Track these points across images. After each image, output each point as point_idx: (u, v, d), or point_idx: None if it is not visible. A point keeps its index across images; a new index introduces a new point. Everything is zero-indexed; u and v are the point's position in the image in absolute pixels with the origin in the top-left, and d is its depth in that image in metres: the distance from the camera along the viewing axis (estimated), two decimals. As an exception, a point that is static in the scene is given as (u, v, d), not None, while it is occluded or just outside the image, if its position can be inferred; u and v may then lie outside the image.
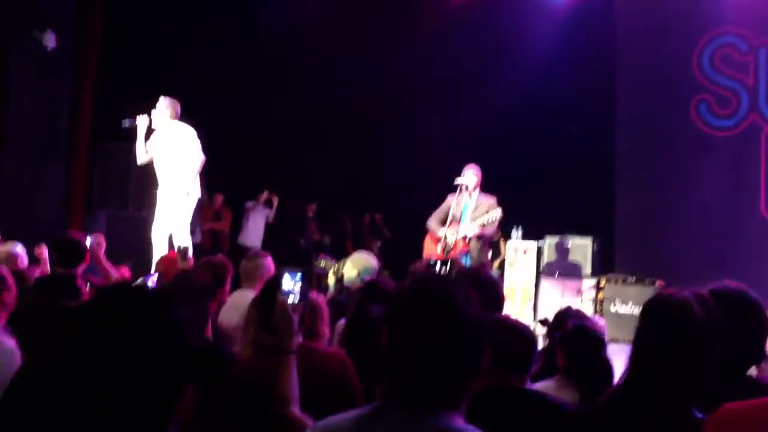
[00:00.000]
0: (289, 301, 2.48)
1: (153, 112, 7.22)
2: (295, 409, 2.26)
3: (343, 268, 5.28)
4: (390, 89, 11.30)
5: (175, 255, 5.68)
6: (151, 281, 5.20)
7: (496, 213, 7.17)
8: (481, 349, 1.59)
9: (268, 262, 4.55)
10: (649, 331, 2.02)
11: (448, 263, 3.40)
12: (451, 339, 1.54)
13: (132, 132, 7.31)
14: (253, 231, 11.42)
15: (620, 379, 2.08)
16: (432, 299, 1.57)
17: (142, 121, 7.19)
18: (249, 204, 11.48)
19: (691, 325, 1.93)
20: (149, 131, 7.32)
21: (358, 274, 5.01)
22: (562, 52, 10.21)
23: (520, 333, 2.64)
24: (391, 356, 1.59)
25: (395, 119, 11.65)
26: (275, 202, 11.54)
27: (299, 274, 2.58)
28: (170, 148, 7.20)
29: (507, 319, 2.83)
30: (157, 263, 5.90)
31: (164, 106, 7.21)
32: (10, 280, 3.58)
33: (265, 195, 11.48)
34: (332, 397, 2.59)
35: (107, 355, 1.36)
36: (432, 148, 10.91)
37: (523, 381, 2.64)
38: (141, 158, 7.36)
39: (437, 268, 3.41)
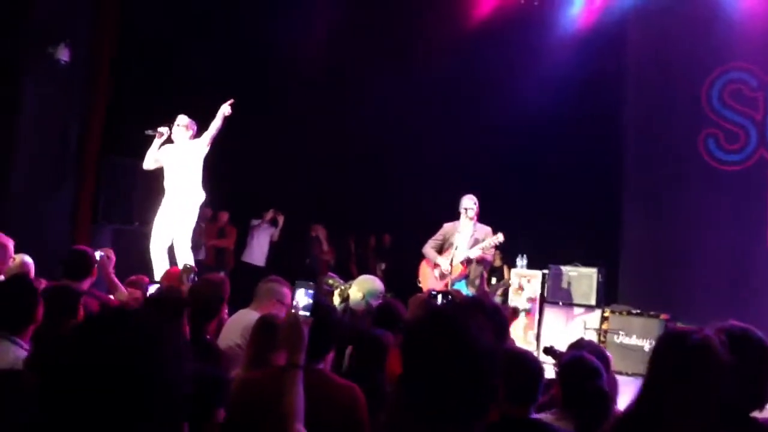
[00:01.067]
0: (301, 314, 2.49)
1: (172, 126, 7.38)
2: (300, 427, 2.24)
3: (349, 290, 5.29)
4: (399, 112, 11.34)
5: (179, 271, 5.68)
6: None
7: (498, 237, 7.27)
8: (496, 380, 1.59)
9: (285, 291, 4.51)
10: (667, 368, 1.99)
11: (448, 295, 3.41)
12: (466, 371, 1.55)
13: (149, 140, 7.44)
14: (258, 249, 11.42)
15: (628, 411, 2.07)
16: (447, 332, 1.58)
17: (164, 131, 7.37)
18: (254, 222, 11.49)
19: (713, 364, 1.92)
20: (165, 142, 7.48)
21: (363, 297, 5.03)
22: (571, 82, 10.24)
23: (528, 363, 2.63)
24: (406, 387, 1.60)
25: (402, 141, 11.69)
26: (281, 220, 11.54)
27: (311, 290, 2.60)
28: (183, 162, 7.33)
29: (514, 349, 2.82)
30: (162, 278, 5.90)
31: (183, 123, 7.39)
32: (39, 294, 3.58)
33: (270, 214, 11.49)
34: (340, 429, 2.58)
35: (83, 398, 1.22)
36: (435, 174, 10.93)
37: (528, 411, 2.62)
38: (149, 164, 7.51)
39: (438, 298, 3.42)
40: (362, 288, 5.12)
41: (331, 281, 7.48)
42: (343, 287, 5.57)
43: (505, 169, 10.58)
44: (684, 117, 9.98)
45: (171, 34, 10.06)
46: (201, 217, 8.38)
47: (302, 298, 2.54)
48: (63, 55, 8.20)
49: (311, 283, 2.72)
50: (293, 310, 2.55)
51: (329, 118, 11.70)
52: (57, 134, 8.74)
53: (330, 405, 2.62)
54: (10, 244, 4.99)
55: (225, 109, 7.38)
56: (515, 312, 3.93)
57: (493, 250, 7.51)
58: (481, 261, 7.38)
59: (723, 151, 9.82)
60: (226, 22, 11.22)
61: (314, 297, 2.73)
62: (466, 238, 7.42)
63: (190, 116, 7.57)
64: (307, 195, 12.16)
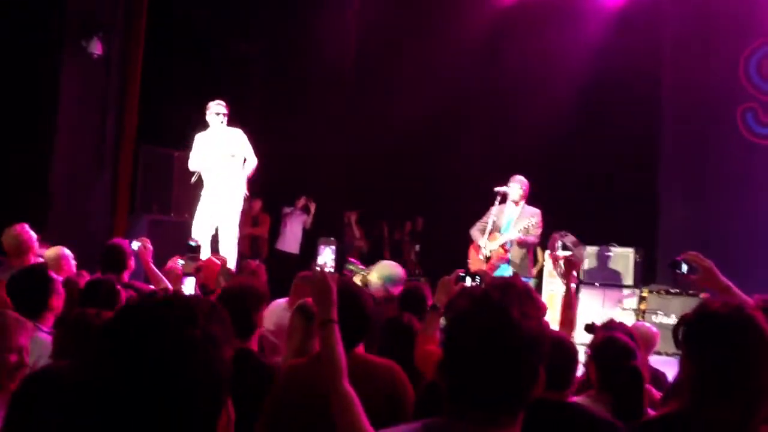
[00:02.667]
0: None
1: (205, 113, 7.42)
2: (345, 383, 2.25)
3: (369, 276, 5.31)
4: (431, 94, 11.30)
5: (217, 264, 5.72)
6: (189, 285, 5.25)
7: (535, 220, 7.15)
8: (538, 365, 1.59)
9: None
10: (712, 344, 1.98)
11: (476, 276, 3.40)
12: (510, 358, 1.55)
13: (185, 131, 7.52)
14: (291, 237, 11.47)
15: (672, 393, 2.06)
16: (489, 316, 1.57)
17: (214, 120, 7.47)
18: (286, 210, 11.55)
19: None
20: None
21: (383, 283, 5.03)
22: (608, 61, 10.13)
23: (562, 346, 2.61)
24: (449, 374, 1.60)
25: (443, 128, 11.67)
26: (312, 208, 11.58)
27: (335, 247, 2.63)
28: (224, 149, 7.36)
29: (548, 331, 2.80)
30: (201, 264, 5.92)
31: (221, 111, 7.44)
32: (60, 285, 3.67)
33: (302, 201, 11.52)
34: (386, 409, 2.60)
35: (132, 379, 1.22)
36: (476, 157, 10.89)
37: (565, 395, 2.61)
38: (194, 166, 7.54)
39: (467, 280, 3.42)
40: (381, 273, 5.12)
41: (351, 267, 7.55)
42: (363, 273, 5.58)
43: (540, 151, 10.50)
44: (722, 92, 9.79)
45: (205, 23, 10.13)
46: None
47: (327, 255, 2.56)
48: (95, 48, 8.30)
49: (333, 239, 2.75)
50: (319, 268, 2.57)
51: (361, 104, 11.70)
52: (94, 127, 8.87)
53: (372, 385, 2.64)
54: (69, 256, 5.08)
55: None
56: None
57: (539, 231, 7.35)
58: (522, 244, 7.29)
59: (761, 125, 9.63)
60: (261, 10, 11.27)
61: (344, 284, 2.76)
62: (512, 221, 7.33)
63: (227, 104, 7.58)
64: (340, 181, 12.19)
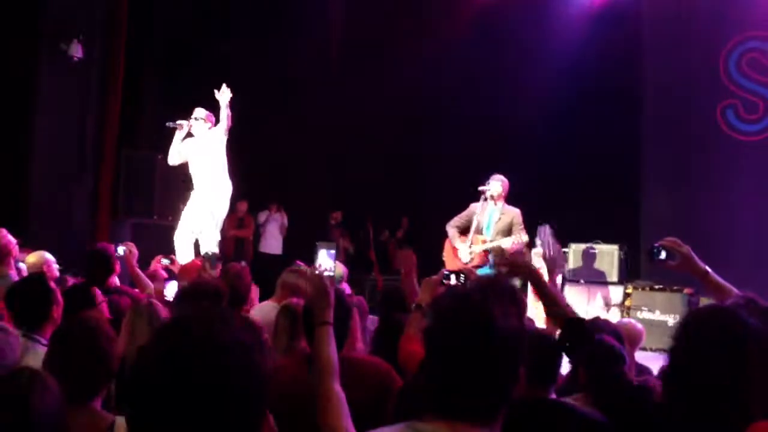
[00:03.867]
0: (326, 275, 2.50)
1: (191, 119, 7.41)
2: (336, 385, 2.25)
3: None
4: (420, 97, 11.33)
5: (200, 264, 5.70)
6: (171, 289, 5.22)
7: (522, 237, 7.11)
8: (519, 364, 1.59)
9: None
10: (700, 343, 1.97)
11: (461, 275, 3.40)
12: (490, 356, 1.55)
13: (169, 134, 7.48)
14: (272, 239, 11.54)
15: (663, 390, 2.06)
16: (472, 316, 1.57)
17: (185, 124, 7.41)
18: (261, 216, 11.62)
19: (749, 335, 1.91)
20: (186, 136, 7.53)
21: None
22: (587, 58, 10.16)
23: (545, 343, 2.62)
24: (430, 373, 1.60)
25: (426, 129, 11.68)
26: (283, 216, 11.65)
27: (334, 252, 2.63)
28: (205, 154, 7.37)
29: (532, 329, 2.80)
30: (180, 271, 5.91)
31: (201, 116, 7.46)
32: (59, 295, 3.61)
33: (274, 208, 11.60)
34: (375, 406, 2.60)
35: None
36: (457, 155, 10.89)
37: (548, 392, 2.61)
38: (173, 159, 7.56)
39: (452, 279, 3.41)
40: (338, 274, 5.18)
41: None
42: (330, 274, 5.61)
43: (523, 148, 10.52)
44: (702, 88, 9.86)
45: (186, 25, 10.09)
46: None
47: (324, 258, 2.57)
48: (76, 51, 8.25)
49: (332, 243, 2.76)
50: (316, 270, 2.57)
51: (344, 104, 11.68)
52: (74, 130, 8.81)
53: (361, 384, 2.64)
54: (51, 261, 5.02)
55: (224, 97, 7.34)
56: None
57: (525, 232, 7.31)
58: (516, 252, 7.26)
59: (742, 121, 9.70)
60: (242, 11, 11.23)
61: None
62: (492, 221, 7.29)
63: (207, 108, 7.59)
64: (323, 182, 12.18)
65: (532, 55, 10.58)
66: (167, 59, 10.28)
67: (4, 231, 4.98)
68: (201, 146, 7.45)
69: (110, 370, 2.56)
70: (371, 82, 11.22)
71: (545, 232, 8.11)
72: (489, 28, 11.07)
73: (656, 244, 2.96)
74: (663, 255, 2.95)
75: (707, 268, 2.90)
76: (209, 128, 7.48)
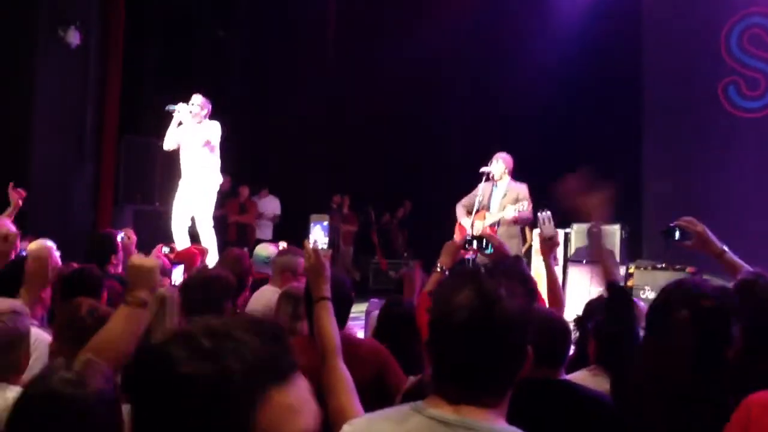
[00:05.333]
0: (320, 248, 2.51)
1: (189, 104, 7.36)
2: (340, 362, 2.24)
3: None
4: (421, 79, 11.27)
5: (195, 250, 5.70)
6: (177, 274, 5.22)
7: (525, 205, 7.11)
8: (525, 344, 1.57)
9: (297, 260, 4.54)
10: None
11: (483, 239, 3.39)
12: (495, 337, 1.53)
13: (168, 119, 7.43)
14: (265, 225, 11.49)
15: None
16: (475, 295, 1.55)
17: (183, 109, 7.31)
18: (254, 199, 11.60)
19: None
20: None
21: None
22: (588, 37, 10.11)
23: (554, 324, 2.61)
24: (435, 353, 1.58)
25: (425, 107, 11.63)
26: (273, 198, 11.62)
27: (326, 224, 2.65)
28: (198, 141, 7.32)
29: (540, 309, 2.79)
30: (177, 256, 5.88)
31: (198, 102, 7.36)
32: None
33: (264, 193, 11.54)
34: (374, 392, 2.59)
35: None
36: (462, 140, 10.87)
37: (558, 372, 2.60)
38: (169, 145, 7.51)
39: (474, 243, 3.40)
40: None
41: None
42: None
43: (524, 129, 10.48)
44: (703, 65, 9.80)
45: (185, 10, 10.03)
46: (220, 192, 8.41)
47: (318, 232, 2.58)
48: (73, 38, 8.20)
49: (326, 215, 2.76)
50: (311, 244, 2.57)
51: (344, 86, 11.65)
52: (74, 117, 8.78)
53: (359, 365, 2.63)
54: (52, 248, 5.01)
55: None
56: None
57: (530, 206, 7.30)
58: (519, 221, 7.28)
59: (744, 98, 9.65)
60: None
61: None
62: (498, 199, 7.30)
63: (205, 93, 7.54)
64: (324, 165, 12.15)
65: (532, 39, 10.52)
66: (166, 45, 10.23)
67: (6, 220, 4.97)
68: (195, 134, 7.40)
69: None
70: (371, 64, 11.17)
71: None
72: (489, 12, 11.01)
73: (671, 224, 2.95)
74: (677, 235, 2.93)
75: (724, 247, 2.88)
76: (205, 115, 7.42)
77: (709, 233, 2.88)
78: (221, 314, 2.93)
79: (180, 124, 7.44)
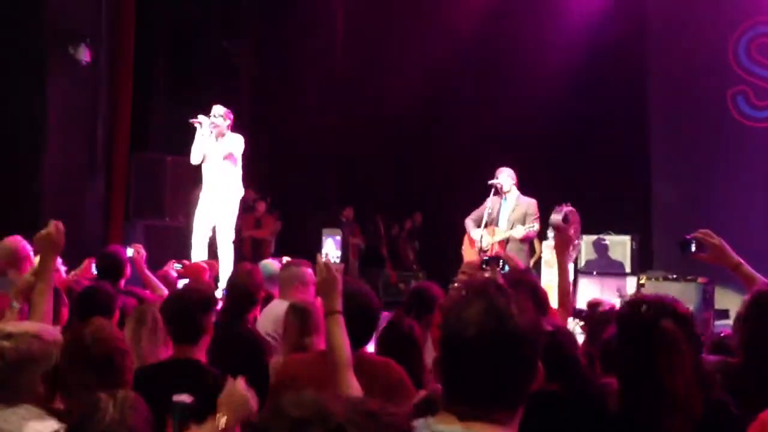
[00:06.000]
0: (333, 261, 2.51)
1: (210, 116, 7.36)
2: (351, 376, 2.23)
3: None
4: (430, 89, 11.29)
5: (204, 266, 5.72)
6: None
7: (534, 225, 7.13)
8: (536, 360, 1.56)
9: (304, 270, 4.54)
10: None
11: (499, 260, 3.38)
12: (505, 353, 1.52)
13: (186, 134, 7.46)
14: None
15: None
16: (485, 311, 1.54)
17: (206, 121, 7.30)
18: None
19: None
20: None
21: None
22: (595, 47, 10.11)
23: (560, 337, 2.59)
24: (444, 368, 1.58)
25: (437, 122, 11.67)
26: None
27: (339, 238, 2.65)
28: (221, 153, 7.34)
29: (549, 323, 2.78)
30: (184, 270, 5.87)
31: (220, 113, 7.36)
32: (64, 295, 3.64)
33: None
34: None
35: None
36: (471, 152, 10.87)
37: (566, 386, 2.59)
38: (195, 158, 7.49)
39: (490, 264, 3.39)
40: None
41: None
42: None
43: (532, 140, 10.49)
44: (711, 75, 9.80)
45: (194, 26, 10.10)
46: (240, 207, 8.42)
47: (330, 245, 2.59)
48: (83, 55, 8.25)
49: (338, 229, 2.76)
50: (323, 258, 2.57)
51: (353, 98, 11.68)
52: (85, 132, 8.83)
53: (372, 384, 2.62)
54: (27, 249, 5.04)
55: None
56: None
57: (537, 223, 7.31)
58: (525, 240, 7.32)
59: (753, 108, 9.63)
60: (248, 8, 11.25)
61: (351, 286, 2.76)
62: (506, 213, 7.32)
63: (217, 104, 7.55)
64: (333, 177, 12.18)
65: (539, 48, 10.53)
66: (175, 60, 10.30)
67: (19, 237, 5.01)
68: (218, 145, 7.41)
69: (123, 383, 2.54)
70: (379, 77, 11.21)
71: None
72: (496, 22, 11.03)
73: (688, 237, 2.95)
74: (694, 247, 2.93)
75: (740, 259, 2.87)
76: (227, 126, 7.42)
77: (726, 246, 2.88)
78: (198, 328, 2.98)
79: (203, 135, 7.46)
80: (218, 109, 7.41)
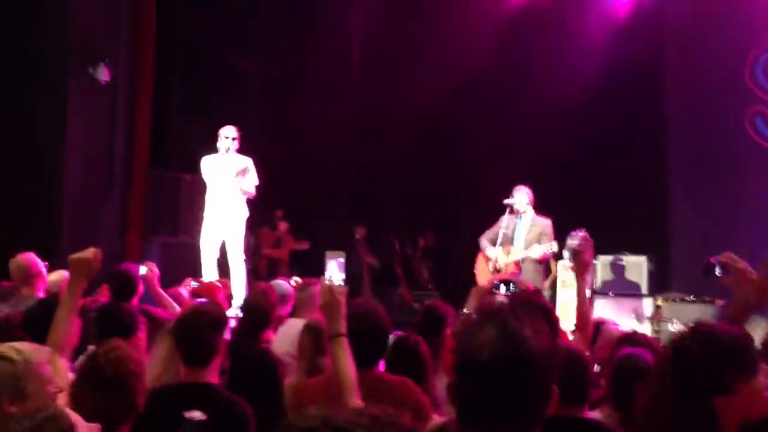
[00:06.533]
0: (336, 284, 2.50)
1: (219, 138, 7.43)
2: (357, 399, 2.22)
3: None
4: (444, 107, 11.31)
5: (216, 285, 5.73)
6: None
7: (552, 246, 7.11)
8: (551, 382, 1.55)
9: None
10: None
11: (511, 283, 3.37)
12: (520, 376, 1.52)
13: (194, 152, 7.54)
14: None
15: None
16: (500, 335, 1.53)
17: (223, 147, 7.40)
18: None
19: None
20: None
21: None
22: (611, 67, 10.09)
23: (575, 360, 2.57)
24: (459, 392, 1.56)
25: (451, 141, 11.68)
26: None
27: (342, 261, 2.65)
28: (232, 172, 7.39)
29: (563, 347, 2.76)
30: (198, 290, 5.89)
31: (231, 135, 7.42)
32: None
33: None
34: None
35: None
36: (487, 170, 10.85)
37: (582, 411, 2.56)
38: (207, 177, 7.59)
39: (501, 288, 3.38)
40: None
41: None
42: None
43: (547, 159, 10.46)
44: (728, 96, 9.74)
45: (210, 43, 10.20)
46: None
47: (333, 268, 2.59)
48: (102, 75, 8.35)
49: (342, 252, 2.76)
50: (327, 281, 2.58)
51: (366, 116, 11.72)
52: (104, 151, 8.92)
53: (389, 404, 2.60)
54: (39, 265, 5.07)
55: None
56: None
57: (554, 243, 7.29)
58: (542, 261, 7.29)
59: (771, 128, 9.57)
60: (265, 27, 11.36)
61: (361, 305, 2.75)
62: (522, 233, 7.29)
63: (233, 123, 7.62)
64: (346, 196, 12.19)
65: (554, 64, 10.53)
66: (194, 79, 10.40)
67: (32, 254, 5.04)
68: (227, 165, 7.46)
69: (134, 406, 2.54)
70: (393, 95, 11.23)
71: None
72: (512, 41, 11.05)
73: (712, 260, 2.92)
74: (718, 271, 2.90)
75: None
76: (236, 148, 7.47)
77: (751, 270, 2.84)
78: (209, 350, 2.92)
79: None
80: (230, 132, 7.46)
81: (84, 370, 2.58)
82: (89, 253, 3.31)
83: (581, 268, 3.58)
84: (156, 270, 5.32)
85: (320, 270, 8.94)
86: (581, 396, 2.52)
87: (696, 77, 9.90)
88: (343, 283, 2.34)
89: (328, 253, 9.95)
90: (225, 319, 3.16)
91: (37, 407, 2.15)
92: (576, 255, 3.62)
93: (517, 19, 11.03)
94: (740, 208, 9.37)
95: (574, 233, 7.12)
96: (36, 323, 3.55)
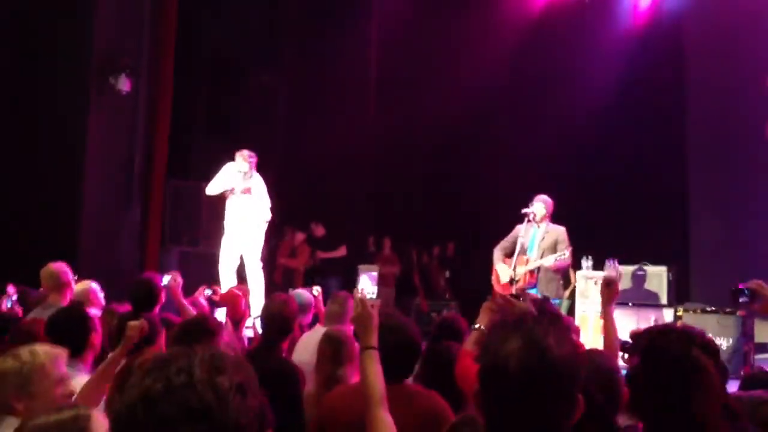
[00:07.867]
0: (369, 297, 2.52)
1: (236, 158, 7.60)
2: (385, 412, 2.22)
3: None
4: (462, 119, 11.32)
5: (236, 293, 5.76)
6: (220, 317, 5.27)
7: (565, 254, 7.06)
8: (576, 392, 1.55)
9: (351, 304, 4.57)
10: None
11: (518, 299, 3.35)
12: (545, 385, 1.52)
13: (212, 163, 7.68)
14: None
15: None
16: (524, 345, 1.54)
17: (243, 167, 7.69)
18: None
19: None
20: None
21: None
22: (632, 77, 10.10)
23: (603, 370, 2.56)
24: (486, 404, 1.57)
25: (470, 151, 11.68)
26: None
27: (375, 274, 2.66)
28: (252, 192, 7.53)
29: (590, 356, 2.74)
30: (220, 299, 5.95)
31: (246, 156, 7.69)
32: (97, 322, 3.71)
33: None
34: None
35: None
36: (501, 177, 10.84)
37: (612, 418, 2.54)
38: (214, 190, 7.72)
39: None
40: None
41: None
42: None
43: (567, 169, 10.44)
44: (748, 107, 9.68)
45: (230, 55, 10.29)
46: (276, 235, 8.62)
47: (365, 281, 2.59)
48: (123, 85, 8.44)
49: (374, 265, 2.77)
50: (359, 293, 2.59)
51: (386, 128, 11.75)
52: (123, 161, 9.00)
53: (417, 416, 2.64)
54: (96, 290, 5.15)
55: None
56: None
57: (569, 250, 7.25)
58: (557, 270, 7.22)
59: (791, 138, 9.48)
60: (285, 41, 11.43)
61: (394, 319, 2.77)
62: (537, 242, 7.24)
63: (250, 139, 7.82)
64: (366, 206, 12.21)
65: (574, 77, 10.53)
66: (213, 90, 10.49)
67: (64, 264, 5.13)
68: (244, 183, 7.63)
69: None
70: (413, 109, 11.27)
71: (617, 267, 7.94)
72: (529, 49, 11.06)
73: (741, 286, 2.96)
74: (746, 296, 2.94)
75: None
76: (251, 166, 7.65)
77: None
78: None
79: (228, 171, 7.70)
80: (244, 159, 7.72)
81: (121, 378, 2.62)
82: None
83: (612, 297, 3.61)
84: (180, 280, 5.37)
85: (344, 285, 8.99)
86: (607, 406, 2.50)
87: (716, 88, 9.85)
88: (375, 296, 2.36)
89: (361, 267, 9.97)
90: (221, 327, 3.34)
91: (45, 406, 2.22)
92: (609, 284, 3.63)
93: (536, 34, 11.06)
94: (760, 219, 9.29)
95: (609, 262, 7.10)
96: (58, 328, 3.72)
